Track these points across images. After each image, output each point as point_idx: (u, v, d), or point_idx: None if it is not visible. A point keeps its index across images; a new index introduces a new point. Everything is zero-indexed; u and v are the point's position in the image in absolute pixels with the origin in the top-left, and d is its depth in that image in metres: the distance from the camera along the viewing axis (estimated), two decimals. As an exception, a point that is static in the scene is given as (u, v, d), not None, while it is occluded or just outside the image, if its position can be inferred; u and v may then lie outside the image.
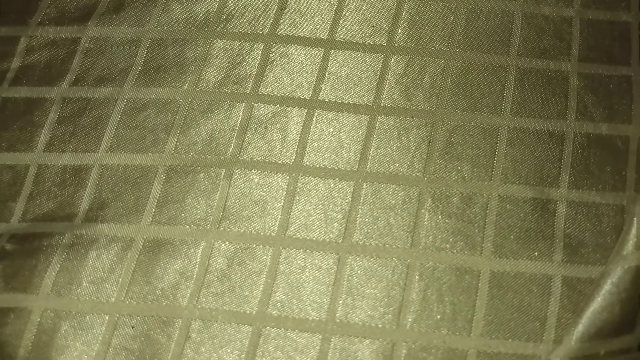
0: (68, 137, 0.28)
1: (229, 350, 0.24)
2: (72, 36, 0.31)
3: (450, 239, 0.26)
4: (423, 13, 0.31)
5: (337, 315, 0.25)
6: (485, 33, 0.30)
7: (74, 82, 0.30)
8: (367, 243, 0.26)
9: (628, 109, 0.28)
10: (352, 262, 0.25)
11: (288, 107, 0.29)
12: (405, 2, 0.31)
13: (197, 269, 0.25)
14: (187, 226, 0.26)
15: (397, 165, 0.27)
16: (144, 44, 0.30)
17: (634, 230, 0.24)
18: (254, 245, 0.26)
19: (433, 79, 0.29)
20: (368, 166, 0.27)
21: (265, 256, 0.26)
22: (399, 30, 0.30)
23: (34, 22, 0.31)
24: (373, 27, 0.30)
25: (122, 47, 0.30)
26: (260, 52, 0.30)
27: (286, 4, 0.31)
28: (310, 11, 0.31)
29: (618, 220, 0.26)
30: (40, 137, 0.28)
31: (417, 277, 0.25)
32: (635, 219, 0.24)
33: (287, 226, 0.26)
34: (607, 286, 0.23)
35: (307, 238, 0.26)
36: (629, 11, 0.31)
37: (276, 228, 0.26)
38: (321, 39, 0.30)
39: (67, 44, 0.31)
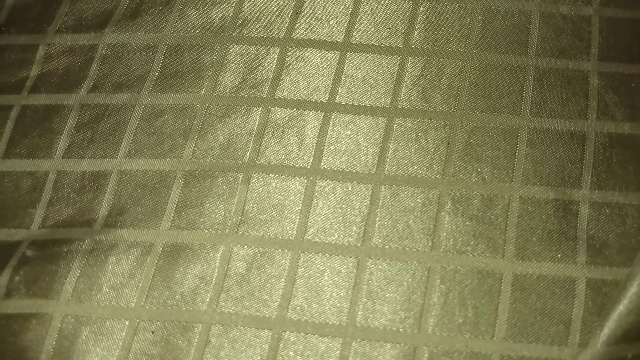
0: (86, 143, 0.29)
1: (249, 355, 0.24)
2: (89, 43, 0.31)
3: (472, 242, 0.25)
4: (439, 14, 0.30)
5: (357, 319, 0.24)
6: (502, 33, 0.30)
7: (92, 89, 0.30)
8: (387, 246, 0.25)
9: (651, 108, 0.28)
10: (372, 265, 0.25)
11: (305, 110, 0.29)
12: (421, 3, 0.31)
13: (216, 274, 0.25)
14: (206, 231, 0.26)
15: (416, 167, 0.27)
16: (160, 50, 0.30)
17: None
18: (273, 249, 0.26)
19: (451, 80, 0.29)
20: (386, 169, 0.27)
21: (284, 260, 0.25)
22: (415, 32, 0.30)
23: (52, 30, 0.31)
24: (389, 29, 0.30)
25: (139, 54, 0.30)
26: (276, 56, 0.30)
27: (301, 7, 0.31)
28: (326, 14, 0.31)
29: (643, 221, 0.25)
30: (59, 143, 0.29)
31: (438, 280, 0.25)
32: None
33: (306, 230, 0.26)
34: (634, 288, 0.22)
35: (326, 242, 0.26)
36: (649, 9, 0.30)
37: (294, 232, 0.26)
38: (337, 42, 0.30)
39: (85, 51, 0.31)
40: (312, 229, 0.26)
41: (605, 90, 0.28)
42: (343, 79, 0.29)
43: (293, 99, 0.29)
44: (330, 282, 0.25)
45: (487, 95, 0.28)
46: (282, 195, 0.27)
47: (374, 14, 0.31)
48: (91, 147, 0.28)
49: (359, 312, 0.24)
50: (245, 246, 0.26)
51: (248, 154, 0.28)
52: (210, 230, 0.26)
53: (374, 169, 0.27)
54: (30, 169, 0.28)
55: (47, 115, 0.29)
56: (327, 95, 0.29)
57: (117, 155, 0.28)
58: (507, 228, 0.25)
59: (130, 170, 0.28)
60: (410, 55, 0.29)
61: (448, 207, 0.26)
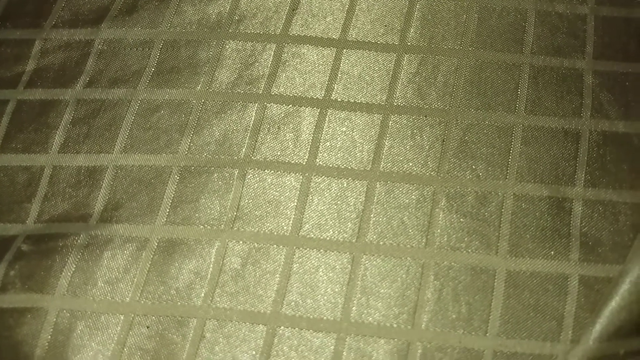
0: (82, 138, 0.29)
1: (243, 350, 0.24)
2: (85, 38, 0.31)
3: (466, 238, 0.25)
4: (435, 12, 0.30)
5: (351, 315, 0.24)
6: (498, 31, 0.30)
7: (88, 84, 0.30)
8: (381, 242, 0.26)
9: (645, 107, 0.28)
10: (366, 261, 0.25)
11: (301, 107, 0.29)
12: (418, 1, 0.31)
13: (211, 269, 0.25)
14: (201, 226, 0.26)
15: (411, 164, 0.27)
16: (157, 46, 0.30)
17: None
18: (268, 245, 0.26)
19: (446, 78, 0.29)
20: (381, 165, 0.27)
21: (279, 256, 0.25)
22: (412, 29, 0.30)
23: (48, 24, 0.31)
24: (385, 26, 0.30)
25: (135, 49, 0.30)
26: (272, 53, 0.30)
27: (298, 4, 0.31)
28: (322, 11, 0.31)
29: (635, 218, 0.25)
30: (55, 138, 0.29)
31: (432, 276, 0.25)
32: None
33: (301, 226, 0.26)
34: (626, 285, 0.23)
35: (321, 238, 0.26)
36: (644, 7, 0.30)
37: (290, 228, 0.26)
38: (333, 38, 0.30)
39: (81, 46, 0.31)
40: (307, 225, 0.26)
41: (600, 88, 0.28)
42: (339, 75, 0.29)
43: (289, 96, 0.29)
44: (325, 277, 0.25)
45: (482, 92, 0.29)
46: (277, 192, 0.27)
47: (371, 11, 0.31)
48: (87, 142, 0.28)
49: (353, 308, 0.25)
50: (241, 242, 0.26)
51: (244, 149, 0.28)
52: (206, 225, 0.26)
53: (369, 166, 0.27)
54: (25, 163, 0.28)
55: (43, 110, 0.29)
56: (323, 92, 0.29)
57: (113, 150, 0.28)
58: (501, 225, 0.26)
59: (125, 165, 0.28)
60: (406, 53, 0.30)
61: (442, 204, 0.26)
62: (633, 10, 0.30)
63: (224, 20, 0.31)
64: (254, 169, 0.27)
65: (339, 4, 0.31)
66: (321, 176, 0.27)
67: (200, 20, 0.31)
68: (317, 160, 0.27)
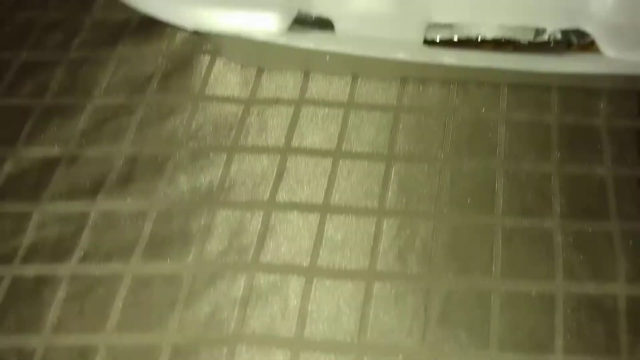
0: (75, 316, 0.29)
1: None
2: (81, 210, 0.32)
3: (452, 418, 0.26)
4: (410, 175, 0.32)
5: None
6: (470, 192, 0.31)
7: (83, 259, 0.30)
8: None
9: (612, 266, 0.29)
10: None
11: (288, 275, 0.29)
12: (393, 164, 0.33)
13: None
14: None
15: (396, 334, 0.28)
16: (150, 216, 0.31)
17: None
18: None
19: (424, 242, 0.30)
20: (368, 336, 0.28)
21: None
22: (389, 193, 0.32)
23: (46, 197, 0.32)
24: (365, 190, 0.32)
25: (129, 221, 0.31)
26: (260, 220, 0.31)
27: (284, 170, 0.33)
28: (307, 176, 0.32)
29: (615, 388, 0.26)
30: (48, 317, 0.29)
31: None
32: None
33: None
34: None
35: None
36: (602, 164, 0.32)
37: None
38: (317, 204, 0.32)
39: (77, 218, 0.32)
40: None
41: (570, 249, 0.30)
42: (324, 241, 0.30)
43: (276, 264, 0.30)
44: None
45: (459, 256, 0.29)
46: (266, 371, 0.27)
47: (351, 175, 0.32)
48: (80, 320, 0.29)
49: None
50: None
51: (233, 324, 0.28)
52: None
53: (356, 338, 0.28)
54: (18, 345, 0.28)
55: (38, 287, 0.30)
56: (308, 259, 0.30)
57: (105, 329, 0.28)
58: (487, 402, 0.26)
59: (117, 345, 0.28)
60: (385, 216, 0.31)
61: (428, 379, 0.26)
62: (593, 166, 0.32)
63: (215, 189, 0.32)
64: (243, 345, 0.28)
65: (321, 168, 0.33)
66: (309, 350, 0.27)
67: (193, 189, 0.32)
68: (305, 332, 0.28)
